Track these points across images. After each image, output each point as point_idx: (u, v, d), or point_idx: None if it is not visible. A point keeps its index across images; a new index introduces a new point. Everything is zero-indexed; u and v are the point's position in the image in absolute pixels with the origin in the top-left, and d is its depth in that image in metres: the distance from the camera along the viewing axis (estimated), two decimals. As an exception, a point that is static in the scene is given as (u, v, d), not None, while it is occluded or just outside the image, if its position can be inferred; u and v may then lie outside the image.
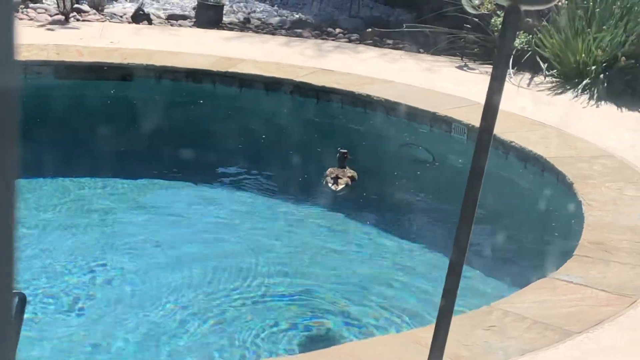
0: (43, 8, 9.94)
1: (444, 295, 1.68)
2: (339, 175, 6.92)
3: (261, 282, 5.61)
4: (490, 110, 1.75)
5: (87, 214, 6.41)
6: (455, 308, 2.30)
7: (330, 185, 6.89)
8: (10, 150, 0.77)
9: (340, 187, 6.89)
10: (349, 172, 6.99)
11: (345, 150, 7.04)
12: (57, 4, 9.62)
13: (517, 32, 8.63)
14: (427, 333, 4.21)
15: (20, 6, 9.91)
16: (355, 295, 5.52)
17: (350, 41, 9.94)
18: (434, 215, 6.89)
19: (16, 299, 2.58)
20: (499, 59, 1.68)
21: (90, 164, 7.20)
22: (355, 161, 7.08)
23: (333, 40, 9.95)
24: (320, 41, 9.83)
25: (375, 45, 9.78)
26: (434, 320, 2.15)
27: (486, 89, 1.77)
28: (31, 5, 9.98)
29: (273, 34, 10.04)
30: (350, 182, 6.95)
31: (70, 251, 5.81)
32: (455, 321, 4.38)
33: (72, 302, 5.25)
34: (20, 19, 9.61)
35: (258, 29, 10.18)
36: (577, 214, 5.99)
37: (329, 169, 6.97)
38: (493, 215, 6.41)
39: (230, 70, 8.38)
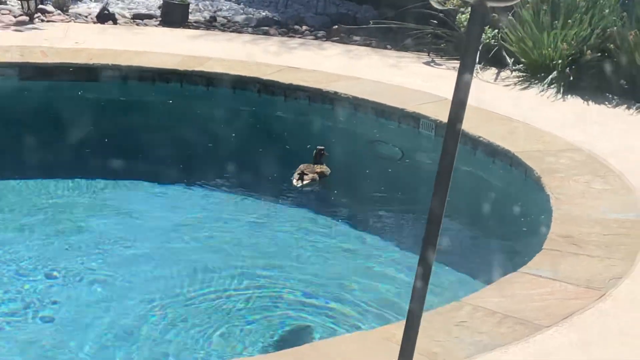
0: (7, 9, 9.86)
1: (413, 295, 1.67)
2: (306, 172, 6.90)
3: (228, 281, 5.59)
4: (458, 106, 1.75)
5: (52, 216, 6.36)
6: (425, 305, 2.29)
7: (294, 181, 6.87)
8: None
9: (305, 182, 6.86)
10: (318, 168, 6.97)
11: (322, 147, 7.03)
12: (21, 5, 9.54)
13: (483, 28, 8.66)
14: (398, 329, 4.22)
15: (-16, 7, 9.82)
16: (324, 292, 5.51)
17: (316, 38, 9.93)
18: (403, 211, 6.89)
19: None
20: (465, 58, 1.68)
21: (57, 166, 7.15)
22: (324, 158, 7.07)
23: (300, 37, 9.93)
24: (286, 39, 9.81)
25: (342, 42, 9.77)
26: (405, 316, 2.14)
27: (453, 84, 1.77)
28: (-5, 6, 9.90)
29: (239, 32, 10.01)
30: (317, 178, 6.93)
31: (35, 255, 5.76)
32: (426, 317, 4.38)
33: (38, 307, 5.21)
34: (-16, 20, 9.53)
35: (224, 27, 10.15)
36: (545, 207, 6.01)
37: (300, 165, 6.95)
38: (462, 210, 6.42)
39: (197, 69, 8.35)
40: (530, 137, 7.14)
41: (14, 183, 6.78)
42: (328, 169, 7.02)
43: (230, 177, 7.15)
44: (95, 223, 6.30)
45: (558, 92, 8.27)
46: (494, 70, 8.77)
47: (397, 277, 5.75)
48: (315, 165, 6.98)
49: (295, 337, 5.05)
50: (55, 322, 5.07)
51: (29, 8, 9.45)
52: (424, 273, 1.65)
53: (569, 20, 8.57)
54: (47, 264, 5.64)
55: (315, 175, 6.92)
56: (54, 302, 5.26)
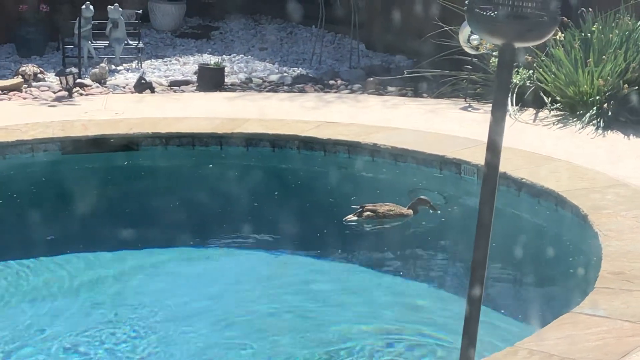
0: (46, 86, 10.01)
1: (463, 340, 1.65)
2: (368, 208, 6.91)
3: (283, 336, 5.57)
4: (495, 148, 1.75)
5: (101, 286, 6.38)
6: (478, 351, 2.27)
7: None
8: None
9: (359, 218, 6.87)
10: (384, 207, 6.96)
11: (423, 198, 7.03)
12: (60, 80, 9.68)
13: (517, 69, 8.66)
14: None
15: (23, 85, 9.97)
16: (379, 341, 5.47)
17: (352, 92, 9.97)
18: (450, 257, 6.85)
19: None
20: (497, 96, 1.69)
21: (107, 236, 7.18)
22: (431, 213, 7.07)
23: (335, 92, 9.98)
24: (322, 94, 9.86)
25: (378, 94, 9.81)
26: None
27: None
28: (34, 83, 10.05)
29: (275, 91, 10.08)
30: (375, 216, 6.91)
31: (84, 327, 5.77)
32: (481, 365, 4.31)
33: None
34: (24, 98, 9.68)
35: (260, 88, 10.23)
36: (594, 245, 5.94)
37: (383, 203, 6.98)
38: (510, 253, 6.37)
39: (235, 131, 8.40)
40: (573, 175, 7.09)
41: (65, 256, 6.81)
42: (401, 211, 6.94)
43: (276, 234, 7.15)
44: (151, 291, 6.31)
45: (598, 128, 8.23)
46: (531, 111, 8.75)
47: (442, 322, 5.69)
48: (384, 204, 6.97)
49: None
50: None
51: (67, 83, 9.58)
52: (472, 315, 1.63)
53: (603, 57, 8.54)
54: (108, 335, 5.65)
55: (372, 214, 6.90)
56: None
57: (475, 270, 1.73)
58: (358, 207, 6.97)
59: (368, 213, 6.92)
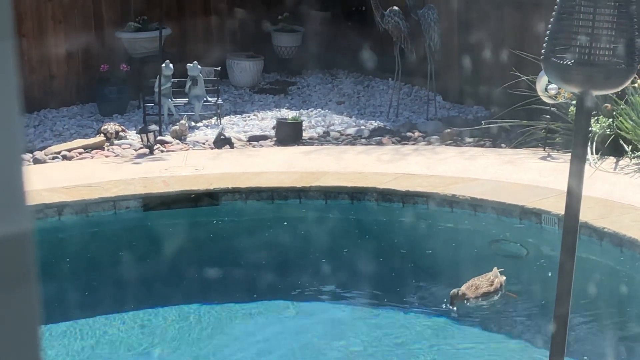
0: (127, 144, 10.19)
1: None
2: (456, 295, 6.47)
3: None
4: (574, 195, 1.74)
5: (188, 344, 6.43)
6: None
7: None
8: (32, 295, 0.76)
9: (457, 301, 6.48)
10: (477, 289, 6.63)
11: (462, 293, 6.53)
12: (141, 138, 9.86)
13: (596, 117, 8.58)
14: None
15: (106, 144, 10.18)
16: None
17: (429, 143, 9.97)
18: (535, 311, 6.77)
19: None
20: (576, 144, 1.68)
21: (191, 292, 7.24)
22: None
23: (413, 144, 9.99)
24: (399, 146, 9.88)
25: (456, 145, 9.79)
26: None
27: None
28: (116, 142, 10.24)
29: (353, 144, 10.12)
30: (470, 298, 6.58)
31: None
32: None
33: None
34: (107, 156, 9.87)
35: (338, 141, 10.28)
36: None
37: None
38: (593, 302, 6.27)
39: (314, 184, 8.45)
40: (657, 223, 6.98)
41: (146, 312, 6.88)
42: (489, 289, 6.60)
43: (360, 290, 7.13)
44: (237, 348, 6.33)
45: (681, 175, 8.10)
46: (612, 159, 8.65)
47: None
48: (472, 286, 6.56)
49: None
50: None
51: (148, 140, 9.75)
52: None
53: (684, 102, 8.44)
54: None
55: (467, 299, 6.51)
56: None
57: (558, 321, 1.72)
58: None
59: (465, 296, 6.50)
